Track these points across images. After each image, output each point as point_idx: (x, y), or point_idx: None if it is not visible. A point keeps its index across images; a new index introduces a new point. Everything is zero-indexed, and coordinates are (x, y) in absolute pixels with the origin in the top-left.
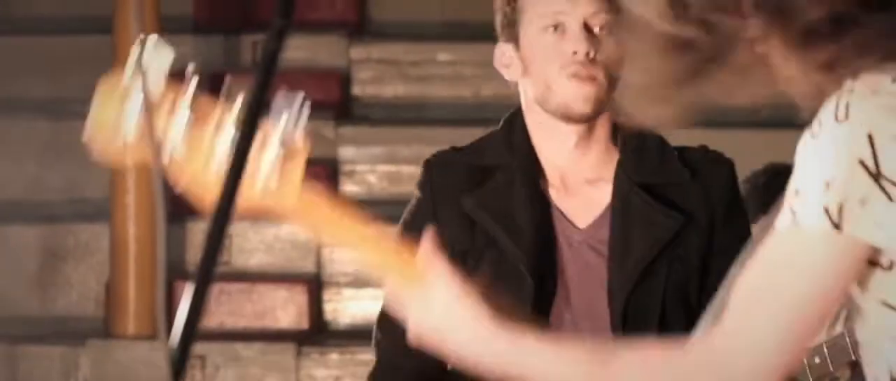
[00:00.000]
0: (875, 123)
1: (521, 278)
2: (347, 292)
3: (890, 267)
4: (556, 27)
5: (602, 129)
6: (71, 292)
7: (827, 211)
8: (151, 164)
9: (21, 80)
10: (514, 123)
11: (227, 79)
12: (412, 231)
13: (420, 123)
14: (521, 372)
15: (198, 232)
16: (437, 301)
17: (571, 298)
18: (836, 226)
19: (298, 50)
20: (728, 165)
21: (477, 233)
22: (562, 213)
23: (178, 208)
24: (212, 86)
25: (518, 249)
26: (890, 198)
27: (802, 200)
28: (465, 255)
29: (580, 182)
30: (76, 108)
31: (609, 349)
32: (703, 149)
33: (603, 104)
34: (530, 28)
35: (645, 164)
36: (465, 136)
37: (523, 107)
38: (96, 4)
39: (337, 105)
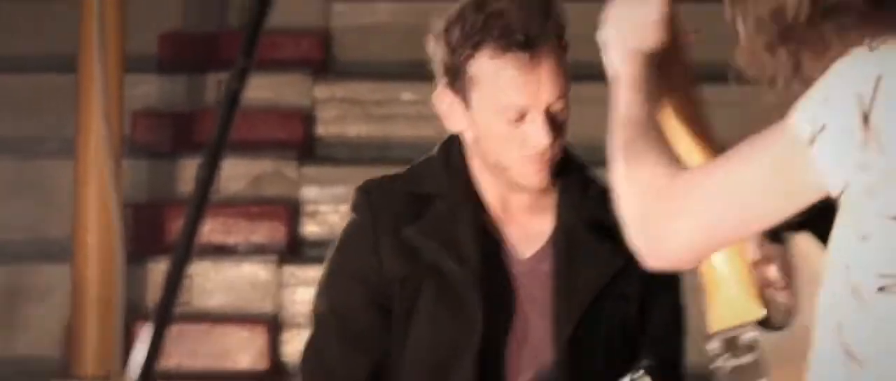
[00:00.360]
0: (890, 69)
1: (469, 304)
2: (306, 334)
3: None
4: (517, 115)
5: None
6: (31, 333)
7: (812, 122)
8: (112, 204)
9: None
10: (451, 150)
11: None
12: (349, 255)
13: (384, 162)
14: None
15: (159, 272)
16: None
17: (516, 327)
18: (811, 141)
19: (262, 89)
20: None
21: (419, 261)
22: (504, 242)
23: (139, 249)
24: (175, 125)
25: (466, 275)
26: (865, 141)
27: (801, 103)
28: (405, 281)
29: (522, 211)
30: (40, 147)
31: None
32: None
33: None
34: (486, 107)
35: (587, 199)
36: None
37: (465, 143)
38: (61, 43)
39: (300, 145)
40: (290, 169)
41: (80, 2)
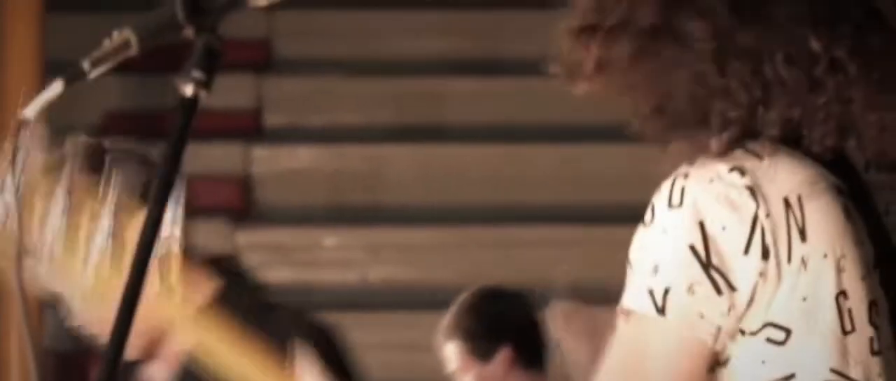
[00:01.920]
0: (709, 211)
1: None
2: None
3: (726, 363)
4: None
5: None
6: None
7: (651, 294)
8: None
9: None
10: None
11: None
12: None
13: (308, 308)
14: None
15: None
16: None
17: None
18: (660, 310)
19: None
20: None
21: None
22: None
23: None
24: None
25: None
26: (718, 290)
27: (629, 284)
28: None
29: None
30: None
31: None
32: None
33: None
34: None
35: None
36: (354, 322)
37: None
38: None
39: None
40: None
41: None
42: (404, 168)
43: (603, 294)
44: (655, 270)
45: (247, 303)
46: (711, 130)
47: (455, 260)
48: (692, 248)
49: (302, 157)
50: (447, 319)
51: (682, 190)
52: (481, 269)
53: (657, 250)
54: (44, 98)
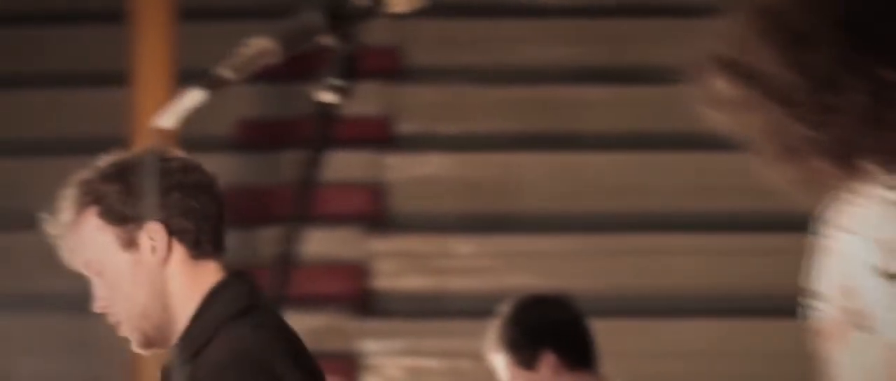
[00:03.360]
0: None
1: None
2: None
3: None
4: None
5: None
6: None
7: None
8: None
9: (44, 276)
10: None
11: None
12: None
13: (440, 315)
14: None
15: None
16: None
17: None
18: None
19: (317, 243)
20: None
21: None
22: None
23: None
24: None
25: None
26: None
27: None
28: None
29: None
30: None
31: None
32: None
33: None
34: None
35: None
36: (485, 329)
37: None
38: None
39: (357, 299)
40: (347, 323)
41: None
42: (536, 176)
43: (737, 303)
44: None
45: (221, 311)
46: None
47: (587, 268)
48: None
49: (434, 164)
50: (490, 333)
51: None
52: (612, 277)
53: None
54: (183, 107)
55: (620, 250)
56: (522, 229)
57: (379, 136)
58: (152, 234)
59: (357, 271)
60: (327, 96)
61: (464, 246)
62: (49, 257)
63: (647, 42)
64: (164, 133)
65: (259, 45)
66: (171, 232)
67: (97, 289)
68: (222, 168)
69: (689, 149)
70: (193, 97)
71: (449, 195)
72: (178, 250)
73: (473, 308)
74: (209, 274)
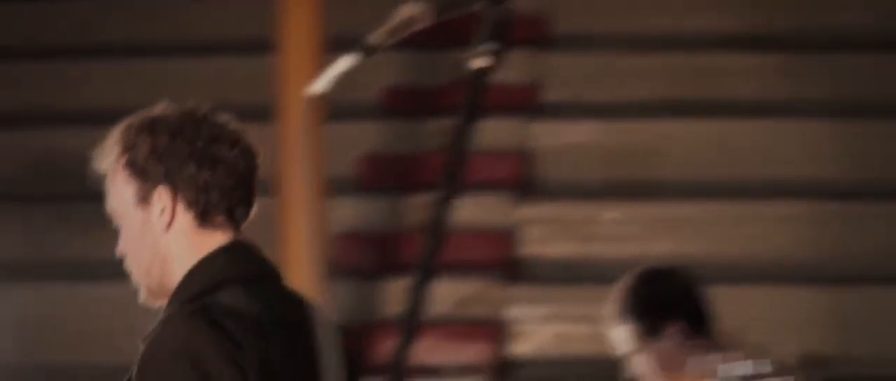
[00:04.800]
0: None
1: None
2: None
3: None
4: None
5: None
6: None
7: None
8: None
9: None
10: None
11: None
12: None
13: (587, 282)
14: None
15: None
16: None
17: None
18: None
19: (465, 210)
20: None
21: None
22: None
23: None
24: (378, 246)
25: None
26: None
27: None
28: None
29: None
30: None
31: None
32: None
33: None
34: None
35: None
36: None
37: None
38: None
39: (505, 265)
40: (495, 290)
41: (281, 127)
42: (682, 143)
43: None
44: None
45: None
46: None
47: (732, 234)
48: None
49: (580, 132)
50: (613, 303)
51: None
52: (757, 243)
53: None
54: (335, 72)
55: (763, 216)
56: (668, 196)
57: (526, 103)
58: (162, 197)
59: (505, 237)
60: (479, 62)
61: (610, 213)
62: None
63: (789, 8)
64: (313, 100)
65: (410, 12)
66: (180, 200)
67: (121, 237)
68: (369, 135)
69: (836, 117)
70: (344, 64)
71: (595, 162)
72: (185, 218)
73: (619, 275)
74: (214, 243)
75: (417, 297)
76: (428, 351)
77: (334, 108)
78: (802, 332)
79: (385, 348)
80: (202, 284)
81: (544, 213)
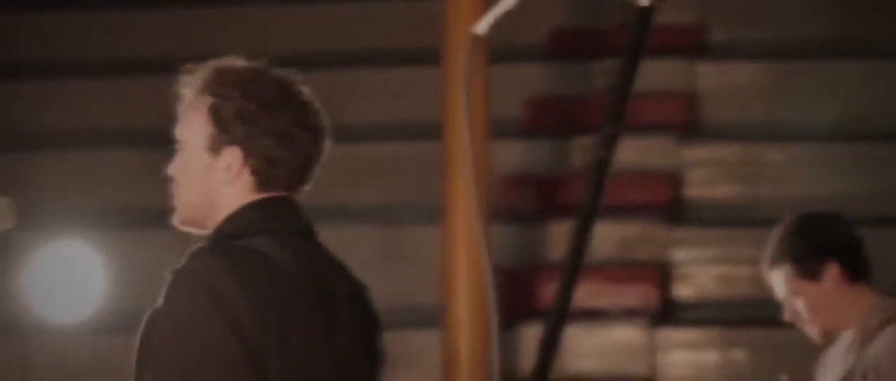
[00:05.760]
0: None
1: None
2: None
3: None
4: None
5: None
6: None
7: None
8: (484, 269)
9: (351, 187)
10: None
11: None
12: None
13: (751, 224)
14: None
15: (530, 338)
16: None
17: None
18: None
19: (628, 152)
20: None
21: None
22: None
23: (509, 314)
24: (541, 190)
25: None
26: None
27: None
28: None
29: None
30: (405, 214)
31: None
32: None
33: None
34: None
35: None
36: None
37: None
38: (423, 110)
39: (668, 207)
40: (659, 232)
41: (446, 69)
42: (844, 84)
43: None
44: None
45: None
46: None
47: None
48: None
49: (744, 72)
50: (771, 246)
51: None
52: None
53: None
54: (496, 13)
55: None
56: (830, 137)
57: (691, 44)
58: (232, 157)
59: (669, 179)
60: (644, 2)
61: (775, 154)
62: (354, 171)
63: None
64: (478, 41)
65: None
66: (248, 164)
67: (175, 159)
68: (533, 78)
69: None
70: (507, 4)
71: (759, 103)
72: (247, 180)
73: (782, 217)
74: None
75: (580, 239)
76: (591, 294)
77: (498, 50)
78: None
79: (548, 291)
80: (238, 227)
81: (709, 154)
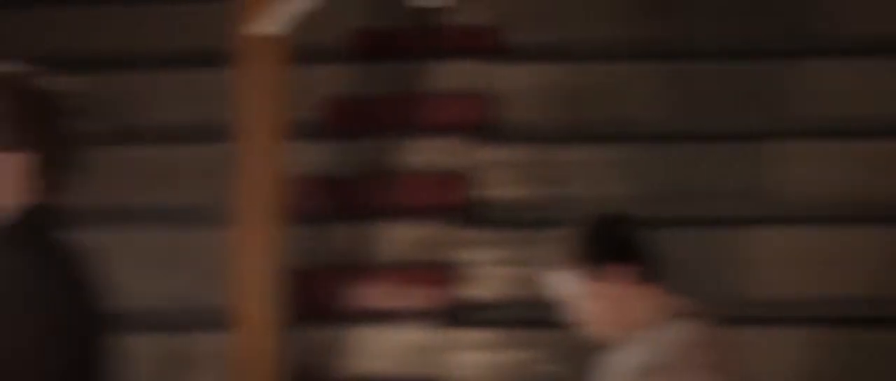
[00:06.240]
0: None
1: None
2: None
3: None
4: None
5: None
6: None
7: None
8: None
9: (143, 189)
10: None
11: None
12: None
13: (545, 225)
14: None
15: (322, 339)
16: None
17: None
18: None
19: (423, 153)
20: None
21: None
22: None
23: (303, 315)
24: (337, 192)
25: None
26: None
27: None
28: None
29: None
30: (197, 216)
31: None
32: None
33: None
34: None
35: None
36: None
37: None
38: (224, 112)
39: (462, 208)
40: (452, 233)
41: (237, 71)
42: (643, 85)
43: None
44: None
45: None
46: None
47: (694, 174)
48: None
49: (541, 74)
50: (561, 248)
51: None
52: (722, 179)
53: None
54: (288, 13)
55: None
56: (628, 139)
57: (488, 45)
58: None
59: (464, 180)
60: (424, 3)
61: (569, 155)
62: (146, 173)
63: None
64: (267, 42)
65: None
66: None
67: None
68: (334, 78)
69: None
70: (300, 4)
71: (555, 105)
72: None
73: (576, 218)
74: None
75: (368, 241)
76: (383, 295)
77: (300, 50)
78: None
79: (337, 291)
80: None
81: (503, 156)
